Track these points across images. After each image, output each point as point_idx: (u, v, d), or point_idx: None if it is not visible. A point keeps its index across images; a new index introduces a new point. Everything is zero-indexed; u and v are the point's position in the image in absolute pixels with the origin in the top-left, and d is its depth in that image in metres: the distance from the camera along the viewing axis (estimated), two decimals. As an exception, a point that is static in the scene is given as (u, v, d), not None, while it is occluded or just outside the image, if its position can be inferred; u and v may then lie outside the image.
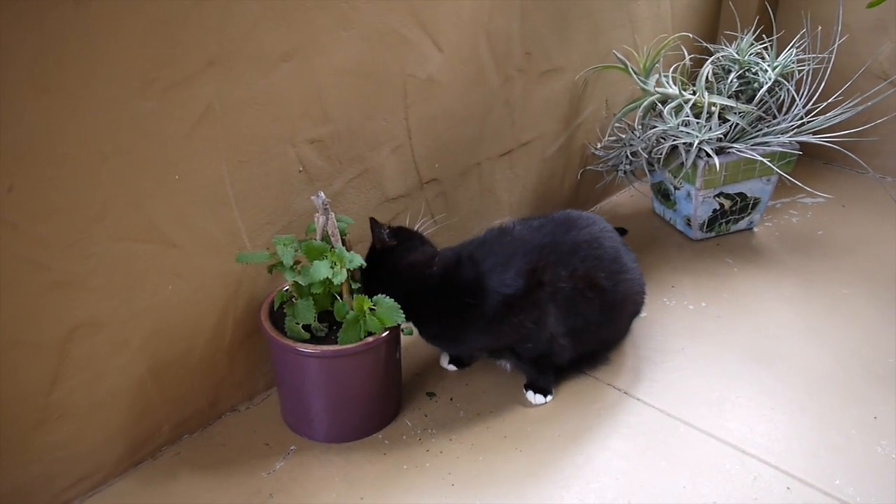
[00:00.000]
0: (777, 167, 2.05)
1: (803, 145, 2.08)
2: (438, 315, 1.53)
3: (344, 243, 1.45)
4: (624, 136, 2.19)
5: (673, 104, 2.04)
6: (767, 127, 2.09)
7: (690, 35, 2.31)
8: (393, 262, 1.54)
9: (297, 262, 1.42)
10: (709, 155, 2.00)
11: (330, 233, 1.43)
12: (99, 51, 1.16)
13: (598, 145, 2.28)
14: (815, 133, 2.05)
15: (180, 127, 1.31)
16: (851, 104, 2.07)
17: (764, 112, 2.10)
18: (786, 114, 2.09)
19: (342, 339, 1.40)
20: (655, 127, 2.05)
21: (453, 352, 1.70)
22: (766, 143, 2.06)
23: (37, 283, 1.21)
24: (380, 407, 1.56)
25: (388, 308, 1.42)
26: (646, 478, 1.44)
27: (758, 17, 2.33)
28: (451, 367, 1.72)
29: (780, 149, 2.06)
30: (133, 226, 1.30)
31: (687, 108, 2.02)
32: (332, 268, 1.39)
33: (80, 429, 1.35)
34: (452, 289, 1.51)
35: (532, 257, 1.53)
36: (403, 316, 1.42)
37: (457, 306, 1.50)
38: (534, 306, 1.51)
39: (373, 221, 1.56)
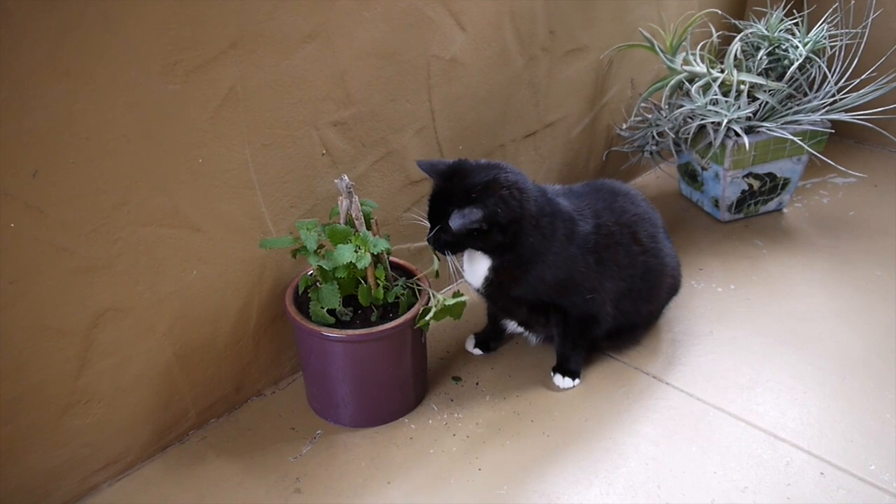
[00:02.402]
0: (808, 146, 2.01)
1: (835, 123, 2.04)
2: (539, 242, 1.46)
3: (368, 227, 1.43)
4: (650, 116, 2.16)
5: (700, 83, 2.00)
6: (798, 105, 2.04)
7: (718, 11, 2.26)
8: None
9: (320, 247, 1.41)
10: (738, 134, 1.96)
11: (354, 216, 1.41)
12: (120, 34, 1.15)
13: (624, 126, 2.25)
14: (847, 111, 2.01)
15: (203, 110, 1.30)
16: (885, 81, 2.02)
17: (794, 90, 2.05)
18: (817, 91, 2.05)
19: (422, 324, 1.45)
20: (682, 106, 2.01)
21: (517, 291, 1.55)
22: (797, 121, 2.02)
23: (62, 268, 1.21)
24: (406, 391, 1.55)
25: (458, 306, 1.45)
26: (675, 463, 1.43)
27: (788, -8, 2.28)
28: (477, 352, 1.71)
29: (811, 127, 2.01)
30: (157, 210, 1.30)
31: (715, 87, 1.97)
32: (356, 252, 1.37)
33: (107, 413, 1.35)
34: (553, 216, 1.48)
35: (587, 202, 1.57)
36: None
37: (559, 232, 1.49)
38: (596, 249, 1.53)
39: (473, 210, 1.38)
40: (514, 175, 1.45)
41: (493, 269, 1.48)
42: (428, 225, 1.46)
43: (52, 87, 1.11)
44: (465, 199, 1.38)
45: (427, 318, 1.43)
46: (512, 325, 1.69)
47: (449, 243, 1.44)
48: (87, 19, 1.11)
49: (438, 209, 1.43)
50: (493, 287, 1.51)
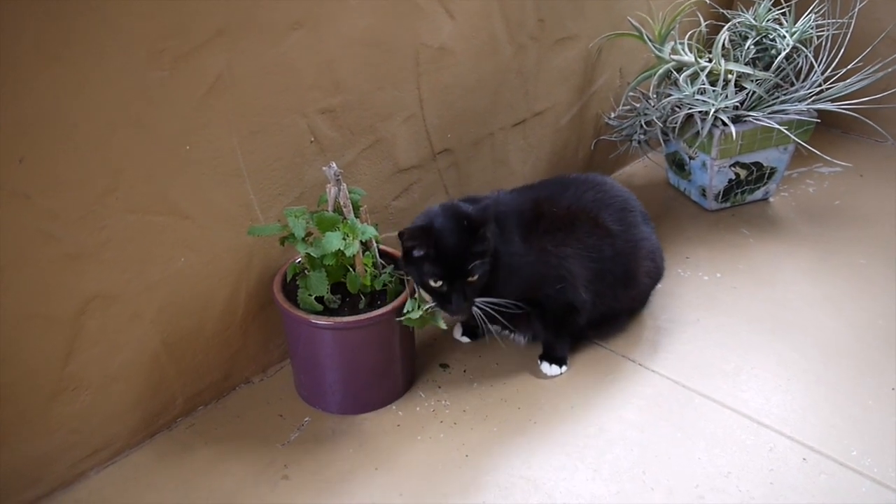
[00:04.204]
0: (794, 136, 2.02)
1: (821, 113, 2.04)
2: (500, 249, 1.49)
3: (357, 214, 1.43)
4: (638, 105, 2.16)
5: (688, 72, 2.01)
6: (785, 95, 2.05)
7: (706, 1, 2.27)
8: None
9: (308, 234, 1.41)
10: (725, 123, 1.97)
11: (342, 204, 1.42)
12: (107, 20, 1.15)
13: (612, 115, 2.25)
14: (833, 101, 2.02)
15: (191, 97, 1.29)
16: (871, 71, 2.03)
17: (781, 79, 2.06)
18: (803, 81, 2.06)
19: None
20: (670, 95, 2.02)
21: (504, 291, 1.56)
22: (784, 111, 2.02)
23: (49, 256, 1.21)
24: (393, 378, 1.55)
25: (426, 320, 1.47)
26: (661, 449, 1.44)
27: (776, -18, 2.28)
28: (465, 339, 1.72)
29: (798, 117, 2.02)
30: (144, 197, 1.29)
31: (703, 76, 1.98)
32: (344, 239, 1.38)
33: (95, 401, 1.35)
34: (501, 216, 1.51)
35: (531, 195, 1.61)
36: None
37: (508, 232, 1.51)
38: (549, 234, 1.55)
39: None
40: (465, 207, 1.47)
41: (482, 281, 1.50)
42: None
43: (39, 75, 1.10)
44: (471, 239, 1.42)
45: (410, 315, 1.44)
46: (496, 329, 1.70)
47: (475, 290, 1.46)
48: (74, 6, 1.10)
49: (452, 269, 1.43)
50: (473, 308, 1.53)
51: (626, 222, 1.64)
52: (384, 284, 1.48)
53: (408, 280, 1.49)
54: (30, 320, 1.22)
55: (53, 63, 1.11)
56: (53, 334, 1.26)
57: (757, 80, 2.01)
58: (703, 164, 2.13)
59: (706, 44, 2.13)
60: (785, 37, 2.02)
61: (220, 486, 1.37)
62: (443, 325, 1.49)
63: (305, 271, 1.45)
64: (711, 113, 1.96)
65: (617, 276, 1.63)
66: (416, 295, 1.47)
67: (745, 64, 2.02)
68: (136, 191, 1.28)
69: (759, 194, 2.24)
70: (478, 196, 1.59)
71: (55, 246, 1.21)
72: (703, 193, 2.20)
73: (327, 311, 1.44)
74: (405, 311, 1.44)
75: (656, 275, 1.75)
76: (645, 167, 2.47)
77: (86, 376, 1.32)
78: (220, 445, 1.46)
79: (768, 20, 2.06)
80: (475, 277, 1.43)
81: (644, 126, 2.13)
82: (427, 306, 1.45)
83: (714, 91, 1.97)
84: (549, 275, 1.54)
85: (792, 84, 2.07)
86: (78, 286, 1.26)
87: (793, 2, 2.08)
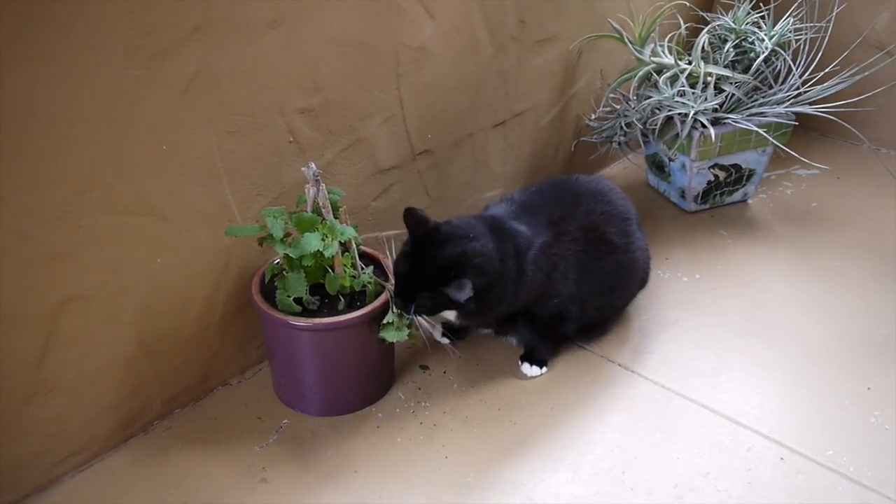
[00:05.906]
0: (772, 138, 2.04)
1: (799, 116, 2.06)
2: (500, 275, 1.45)
3: (336, 215, 1.43)
4: (618, 106, 2.17)
5: (668, 74, 2.02)
6: (763, 97, 2.07)
7: (686, 3, 2.27)
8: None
9: (287, 235, 1.40)
10: (704, 126, 1.98)
11: (321, 204, 1.41)
12: (81, 17, 1.13)
13: (593, 116, 2.26)
14: (811, 103, 2.03)
15: (167, 96, 1.28)
16: (848, 74, 2.05)
17: (760, 82, 2.07)
18: (782, 84, 2.07)
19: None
20: (650, 97, 2.03)
21: (488, 319, 1.60)
22: (762, 113, 2.04)
23: (24, 256, 1.19)
24: (373, 380, 1.55)
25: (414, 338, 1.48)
26: (640, 449, 1.44)
27: (754, -14, 2.30)
28: (445, 341, 1.71)
29: (776, 119, 2.04)
30: (121, 197, 1.28)
31: (682, 78, 1.99)
32: (323, 240, 1.37)
33: (70, 404, 1.33)
34: (517, 255, 1.48)
35: (547, 211, 1.57)
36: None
37: (513, 261, 1.47)
38: (559, 256, 1.53)
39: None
40: (481, 245, 1.43)
41: (462, 315, 1.52)
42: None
43: (13, 71, 1.08)
44: (443, 276, 1.39)
45: (390, 335, 1.44)
46: (486, 331, 1.71)
47: (428, 310, 1.45)
48: (49, 3, 1.09)
49: (412, 284, 1.42)
50: (462, 321, 1.55)
51: (627, 234, 1.65)
52: (363, 286, 1.47)
53: (388, 288, 1.48)
54: (3, 321, 1.20)
55: (27, 60, 1.09)
56: (28, 336, 1.24)
57: (736, 83, 2.02)
58: (683, 166, 2.14)
59: (686, 46, 2.14)
60: (764, 40, 2.03)
61: (198, 490, 1.36)
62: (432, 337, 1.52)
63: (284, 272, 1.44)
64: (691, 115, 1.97)
65: (615, 287, 1.65)
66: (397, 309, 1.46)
67: (725, 66, 2.03)
68: (113, 191, 1.26)
69: (737, 196, 2.26)
70: (501, 212, 1.57)
71: (30, 246, 1.19)
72: (683, 195, 2.21)
73: (306, 313, 1.43)
74: (384, 321, 1.44)
75: (644, 282, 1.77)
76: (625, 169, 2.48)
77: (61, 379, 1.30)
78: (197, 448, 1.44)
79: (747, 23, 2.08)
80: (417, 307, 1.42)
81: (624, 128, 2.14)
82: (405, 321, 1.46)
83: (693, 93, 1.99)
84: (547, 292, 1.54)
85: (770, 87, 2.08)
86: (53, 287, 1.24)
87: (771, 5, 2.10)
